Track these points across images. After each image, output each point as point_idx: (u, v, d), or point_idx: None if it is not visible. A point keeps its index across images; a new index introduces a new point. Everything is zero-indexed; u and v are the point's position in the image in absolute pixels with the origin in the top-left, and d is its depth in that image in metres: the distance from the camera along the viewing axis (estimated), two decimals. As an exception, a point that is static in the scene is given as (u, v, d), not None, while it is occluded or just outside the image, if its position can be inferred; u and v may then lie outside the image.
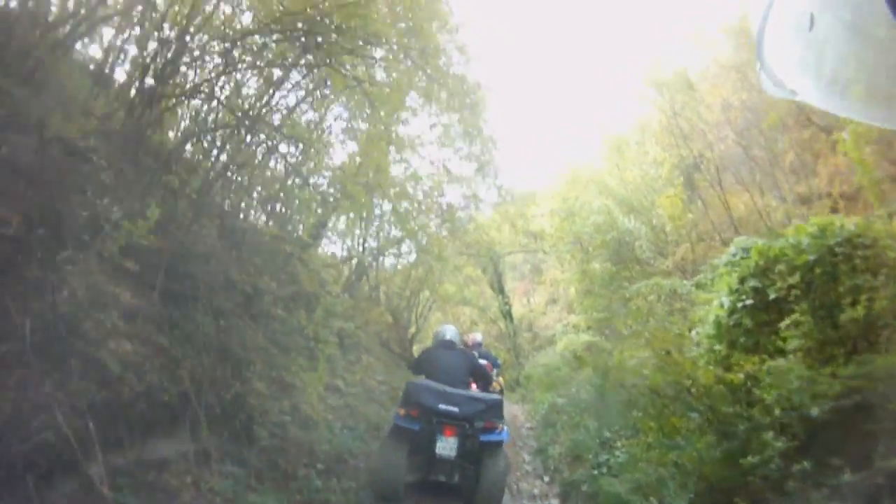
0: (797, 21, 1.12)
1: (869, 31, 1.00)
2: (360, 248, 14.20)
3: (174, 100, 6.91)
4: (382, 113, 7.84)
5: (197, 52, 6.90)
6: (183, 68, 6.92)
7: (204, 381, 5.50)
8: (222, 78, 7.10)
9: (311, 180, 8.62)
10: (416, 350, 20.43)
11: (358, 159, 9.56)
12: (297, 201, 8.63)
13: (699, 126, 14.87)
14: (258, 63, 7.07)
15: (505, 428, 6.67)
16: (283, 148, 8.22)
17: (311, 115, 9.82)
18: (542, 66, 37.64)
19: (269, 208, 9.07)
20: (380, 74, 8.51)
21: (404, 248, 15.73)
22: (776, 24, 1.21)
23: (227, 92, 7.48)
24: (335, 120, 10.25)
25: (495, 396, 6.88)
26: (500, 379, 9.93)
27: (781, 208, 12.36)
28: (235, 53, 6.84)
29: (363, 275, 14.78)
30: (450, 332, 7.57)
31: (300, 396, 6.84)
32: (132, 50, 6.91)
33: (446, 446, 6.25)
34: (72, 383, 4.08)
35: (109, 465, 4.09)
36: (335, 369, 8.42)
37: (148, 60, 6.55)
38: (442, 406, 6.27)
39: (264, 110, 7.52)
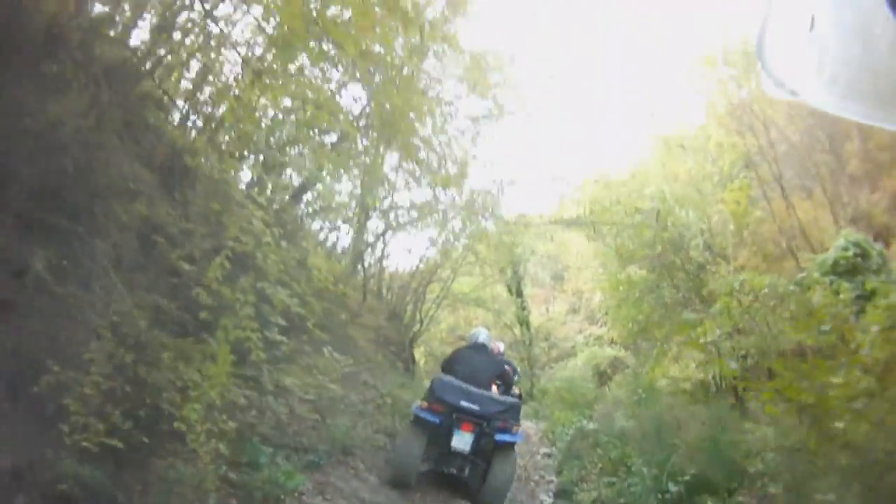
0: (798, 21, 1.09)
1: (869, 31, 0.99)
2: (358, 216, 11.77)
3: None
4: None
5: None
6: None
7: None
8: None
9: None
10: (417, 354, 18.38)
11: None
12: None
13: (762, 119, 12.58)
14: None
15: (519, 430, 7.03)
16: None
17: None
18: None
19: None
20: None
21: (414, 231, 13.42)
22: (777, 23, 1.15)
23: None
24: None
25: (514, 400, 7.28)
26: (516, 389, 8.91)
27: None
28: None
29: (359, 258, 12.43)
30: (483, 335, 7.96)
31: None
32: None
33: (462, 441, 6.51)
34: None
35: None
36: (282, 366, 5.97)
37: None
38: (463, 403, 6.57)
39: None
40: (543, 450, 10.89)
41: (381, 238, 13.54)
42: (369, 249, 13.35)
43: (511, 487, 7.06)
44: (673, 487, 5.96)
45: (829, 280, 7.01)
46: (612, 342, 18.42)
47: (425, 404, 6.71)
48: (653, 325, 12.74)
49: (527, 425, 12.09)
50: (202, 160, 5.81)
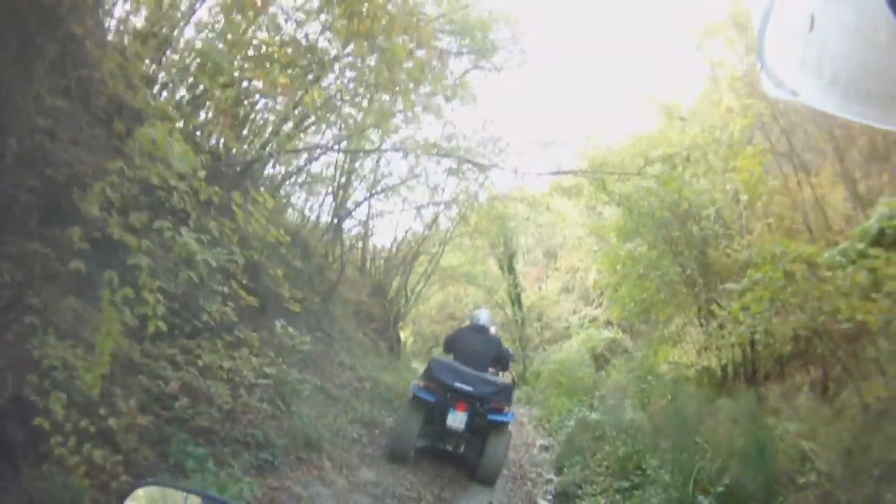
0: (798, 21, 1.06)
1: (869, 31, 0.97)
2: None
3: None
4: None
5: None
6: None
7: None
8: None
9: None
10: (404, 333, 17.51)
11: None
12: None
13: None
14: None
15: (511, 410, 7.27)
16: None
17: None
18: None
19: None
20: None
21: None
22: (777, 23, 1.11)
23: None
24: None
25: (507, 381, 7.58)
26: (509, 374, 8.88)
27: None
28: None
29: (340, 226, 11.29)
30: (484, 316, 8.19)
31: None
32: None
33: (456, 420, 6.72)
34: None
35: None
36: (206, 341, 4.79)
37: None
38: (457, 384, 6.75)
39: None
40: (540, 441, 9.85)
41: (365, 203, 12.43)
42: (350, 217, 12.23)
43: (506, 488, 7.13)
44: (703, 500, 4.89)
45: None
46: (608, 324, 17.44)
47: (422, 383, 6.93)
48: (657, 304, 11.73)
49: (519, 412, 11.11)
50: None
